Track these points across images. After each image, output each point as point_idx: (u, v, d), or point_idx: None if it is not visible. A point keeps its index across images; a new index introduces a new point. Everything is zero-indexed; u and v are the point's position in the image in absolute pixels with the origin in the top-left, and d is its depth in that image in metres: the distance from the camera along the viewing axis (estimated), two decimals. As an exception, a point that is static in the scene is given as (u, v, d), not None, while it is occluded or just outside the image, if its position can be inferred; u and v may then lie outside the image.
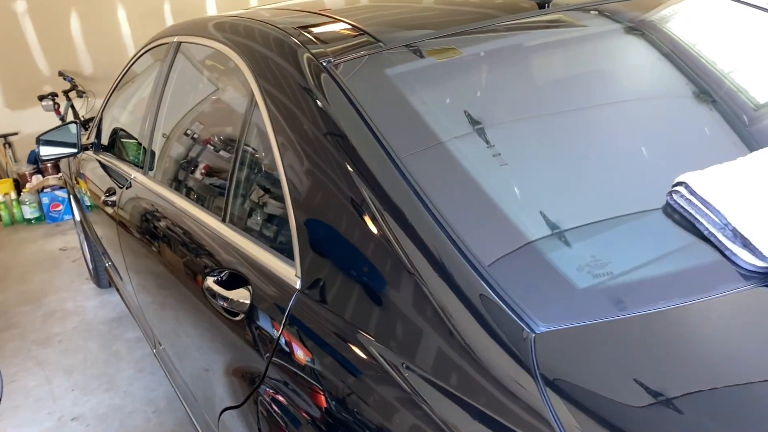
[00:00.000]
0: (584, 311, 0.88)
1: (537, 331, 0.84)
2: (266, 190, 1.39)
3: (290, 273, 1.20)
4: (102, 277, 3.65)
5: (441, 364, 0.89)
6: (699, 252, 0.96)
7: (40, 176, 5.42)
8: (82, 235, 3.69)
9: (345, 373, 1.01)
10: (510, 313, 0.87)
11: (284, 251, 1.25)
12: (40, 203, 5.21)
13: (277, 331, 1.18)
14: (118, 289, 3.02)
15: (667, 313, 0.86)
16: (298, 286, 1.17)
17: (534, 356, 0.82)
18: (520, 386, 0.80)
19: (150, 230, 2.02)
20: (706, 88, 1.32)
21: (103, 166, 2.70)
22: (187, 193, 1.80)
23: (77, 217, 3.66)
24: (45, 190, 5.21)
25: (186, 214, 1.72)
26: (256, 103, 1.38)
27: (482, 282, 0.90)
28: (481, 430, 0.81)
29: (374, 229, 1.03)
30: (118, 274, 2.72)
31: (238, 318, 1.33)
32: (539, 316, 0.86)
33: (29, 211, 5.22)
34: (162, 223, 1.91)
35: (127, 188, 2.30)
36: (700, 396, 0.76)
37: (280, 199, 1.26)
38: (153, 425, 2.58)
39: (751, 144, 1.20)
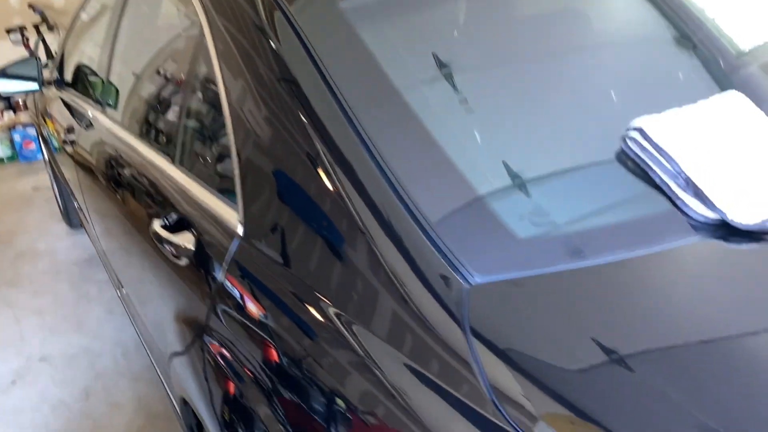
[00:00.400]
0: (526, 262, 0.84)
1: (472, 283, 0.81)
2: (214, 133, 1.33)
3: (234, 218, 1.15)
4: (73, 217, 3.59)
5: (372, 312, 0.85)
6: (650, 202, 0.92)
7: (11, 113, 5.27)
8: (52, 175, 3.61)
9: (284, 324, 0.98)
10: (445, 264, 0.82)
11: (229, 196, 1.19)
12: (12, 141, 5.09)
13: (219, 278, 1.14)
14: (87, 231, 2.97)
15: (610, 266, 0.83)
16: (240, 231, 1.12)
17: (466, 308, 0.78)
18: (450, 339, 0.77)
19: (106, 172, 1.95)
20: (679, 30, 1.25)
21: (65, 104, 2.61)
22: (141, 134, 1.73)
23: (46, 157, 3.57)
24: (17, 128, 5.08)
25: (140, 155, 1.65)
26: (206, 40, 1.30)
27: (420, 231, 0.86)
28: (408, 381, 0.78)
29: (318, 183, 0.97)
30: (84, 215, 2.67)
31: (183, 263, 1.28)
32: (476, 267, 0.82)
33: (1, 150, 5.10)
34: (117, 165, 1.84)
35: (85, 127, 2.22)
36: (644, 354, 0.73)
37: (227, 142, 1.19)
38: (121, 367, 2.57)
39: (716, 88, 1.14)
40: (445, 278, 0.82)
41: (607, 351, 0.72)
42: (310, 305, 0.94)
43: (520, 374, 0.71)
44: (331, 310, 0.90)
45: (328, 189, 0.95)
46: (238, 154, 1.15)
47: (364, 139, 0.95)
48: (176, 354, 1.36)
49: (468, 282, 0.81)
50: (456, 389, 0.74)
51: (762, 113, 1.00)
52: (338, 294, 0.91)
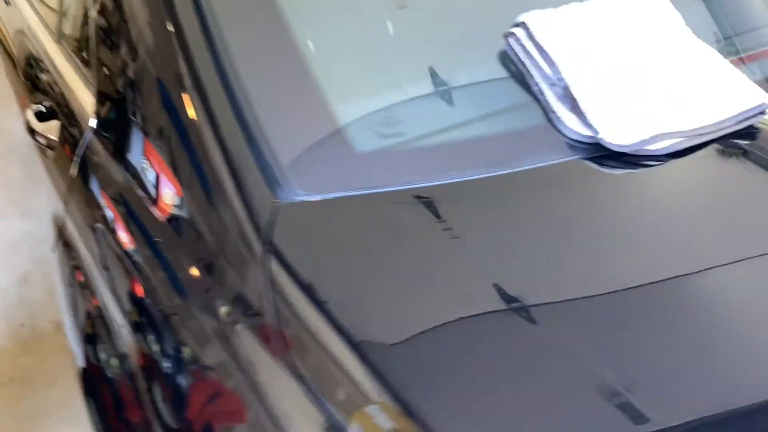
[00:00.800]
0: (363, 180, 0.72)
1: (291, 200, 0.69)
2: (83, 10, 1.17)
3: (90, 108, 1.03)
4: (29, 97, 3.44)
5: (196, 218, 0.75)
6: (522, 113, 0.79)
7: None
8: (5, 51, 3.43)
9: (127, 234, 0.88)
10: (262, 178, 0.71)
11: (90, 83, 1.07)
12: (-24, 13, 4.83)
13: (72, 174, 1.04)
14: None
15: (457, 187, 0.71)
16: (93, 124, 1.00)
17: (273, 227, 0.67)
18: (250, 258, 0.67)
19: (14, 50, 1.80)
20: None
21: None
22: (37, 9, 1.57)
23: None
24: (-20, -2, 4.81)
25: (32, 31, 1.51)
26: None
27: (244, 139, 0.73)
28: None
29: (161, 77, 0.85)
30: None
31: (50, 156, 1.18)
32: (300, 183, 0.70)
33: (-35, 21, 4.85)
34: (22, 43, 1.69)
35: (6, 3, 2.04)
36: (486, 296, 0.62)
37: (90, 23, 1.05)
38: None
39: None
40: (261, 194, 0.70)
41: (439, 294, 0.62)
42: (150, 219, 0.83)
43: (317, 308, 0.61)
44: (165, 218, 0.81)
45: (172, 87, 0.82)
46: (97, 39, 1.01)
47: (212, 35, 0.80)
48: (52, 252, 1.29)
49: (286, 199, 0.69)
50: (253, 327, 0.65)
51: (679, 16, 0.84)
52: (165, 208, 0.81)
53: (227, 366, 0.66)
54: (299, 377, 0.58)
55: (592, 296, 0.62)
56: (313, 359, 0.59)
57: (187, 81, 0.79)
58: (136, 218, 0.87)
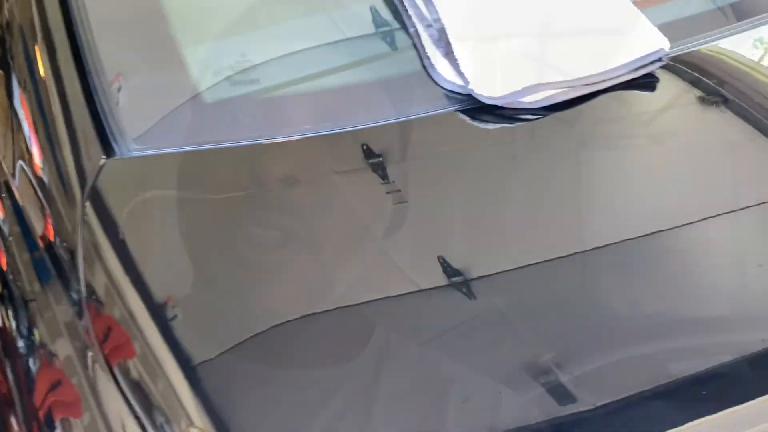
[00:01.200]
0: (209, 133, 0.65)
1: (123, 155, 0.62)
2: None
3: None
4: None
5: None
6: (397, 59, 0.71)
7: None
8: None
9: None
10: (96, 133, 0.64)
11: None
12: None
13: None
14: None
15: (316, 142, 0.64)
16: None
17: (94, 188, 0.61)
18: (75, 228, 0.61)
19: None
20: None
21: None
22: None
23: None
24: None
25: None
26: None
27: (81, 90, 0.66)
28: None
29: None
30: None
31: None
32: (136, 137, 0.63)
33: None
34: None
35: None
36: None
37: None
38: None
39: None
40: (91, 151, 0.63)
41: (287, 279, 0.56)
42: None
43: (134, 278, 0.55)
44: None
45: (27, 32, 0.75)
46: None
47: None
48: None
49: (119, 154, 0.62)
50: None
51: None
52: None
53: (71, 356, 0.61)
54: (112, 375, 0.52)
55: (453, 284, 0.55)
56: (124, 356, 0.53)
57: (38, 26, 0.72)
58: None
